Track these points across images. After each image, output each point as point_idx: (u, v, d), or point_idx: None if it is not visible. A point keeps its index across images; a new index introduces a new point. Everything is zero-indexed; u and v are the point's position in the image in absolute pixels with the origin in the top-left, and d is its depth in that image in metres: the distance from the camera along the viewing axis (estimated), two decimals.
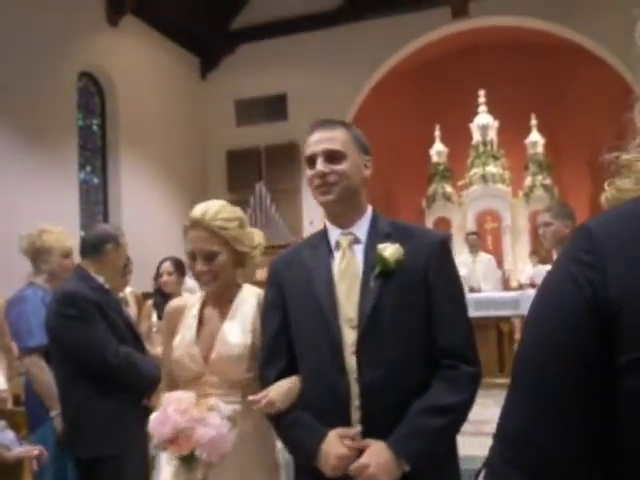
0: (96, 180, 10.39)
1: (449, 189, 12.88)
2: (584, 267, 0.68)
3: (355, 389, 1.64)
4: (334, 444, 1.60)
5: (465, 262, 7.53)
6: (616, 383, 0.65)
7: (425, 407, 1.61)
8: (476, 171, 12.51)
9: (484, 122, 12.65)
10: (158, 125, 11.21)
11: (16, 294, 3.31)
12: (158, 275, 4.07)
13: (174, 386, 2.09)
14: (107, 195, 10.44)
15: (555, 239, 3.51)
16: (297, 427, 1.71)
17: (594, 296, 0.66)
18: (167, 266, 4.13)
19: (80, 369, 2.58)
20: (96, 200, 10.35)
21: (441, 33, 11.87)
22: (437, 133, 13.20)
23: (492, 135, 12.71)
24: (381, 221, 1.80)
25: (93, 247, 2.79)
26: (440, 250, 1.72)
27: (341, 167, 1.74)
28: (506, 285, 10.18)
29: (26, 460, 2.33)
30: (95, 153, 10.38)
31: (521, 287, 9.82)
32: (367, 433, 1.62)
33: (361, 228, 1.78)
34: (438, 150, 13.21)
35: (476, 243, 7.56)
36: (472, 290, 6.84)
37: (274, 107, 12.48)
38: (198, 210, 2.05)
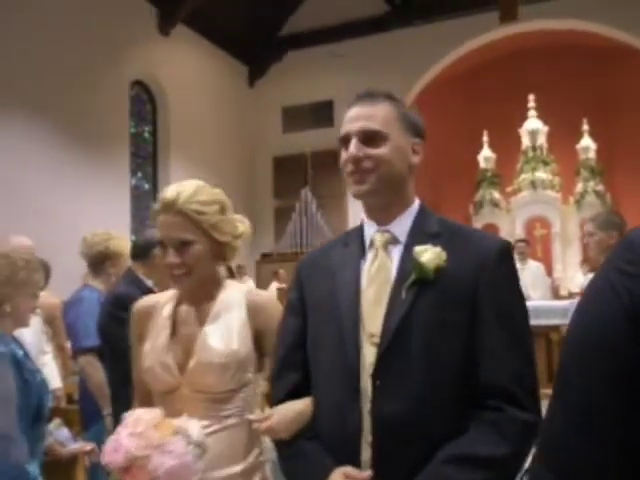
0: (147, 186, 10.65)
1: (497, 195, 12.69)
2: (624, 277, 0.68)
3: (368, 422, 1.32)
4: None
5: None
6: None
7: (455, 456, 1.26)
8: (525, 177, 12.28)
9: (534, 127, 12.42)
10: (207, 132, 11.43)
11: (73, 295, 3.42)
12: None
13: (148, 401, 1.79)
14: (157, 201, 10.68)
15: (598, 249, 3.38)
16: (300, 459, 1.40)
17: (633, 305, 0.66)
18: None
19: (129, 371, 2.65)
20: (147, 205, 10.60)
21: (489, 37, 11.73)
22: (485, 139, 13.02)
23: (542, 140, 12.47)
24: (429, 218, 1.46)
25: (142, 251, 2.86)
26: (497, 259, 1.35)
27: (380, 151, 1.39)
28: (556, 293, 9.94)
29: (80, 456, 2.40)
30: (146, 160, 10.65)
31: (571, 296, 9.58)
32: (377, 479, 1.29)
33: (402, 225, 1.43)
34: (486, 156, 13.03)
35: (524, 250, 7.41)
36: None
37: (320, 113, 12.54)
38: (170, 191, 1.74)
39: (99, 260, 3.34)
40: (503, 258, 1.37)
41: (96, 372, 3.03)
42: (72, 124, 8.56)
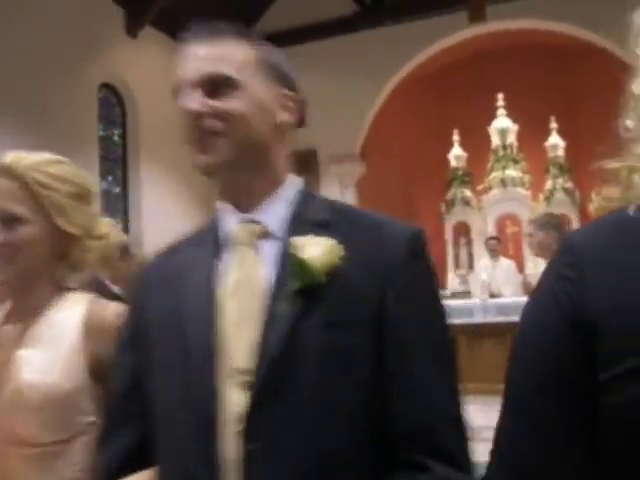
0: (117, 189, 10.51)
1: (468, 193, 12.81)
2: (565, 282, 0.69)
3: None
4: None
5: (485, 267, 7.49)
6: (599, 396, 0.65)
7: None
8: (495, 175, 12.44)
9: (503, 126, 12.58)
10: (178, 135, 11.28)
11: None
12: None
13: None
14: (128, 204, 10.56)
15: (540, 249, 3.66)
16: None
17: (574, 311, 0.67)
18: None
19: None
20: (117, 209, 10.47)
21: (458, 38, 11.84)
22: (456, 138, 13.15)
23: (511, 139, 12.64)
24: (314, 202, 1.11)
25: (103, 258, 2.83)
26: (408, 254, 0.97)
27: (231, 104, 1.02)
28: (527, 290, 10.08)
29: None
30: (116, 163, 10.52)
31: None
32: None
33: (274, 212, 1.06)
34: (457, 154, 13.15)
35: (496, 248, 7.51)
36: (492, 296, 6.80)
37: None
38: (13, 154, 1.36)
39: None
40: (415, 252, 0.98)
41: None
42: (39, 126, 8.41)
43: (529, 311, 0.74)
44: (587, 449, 0.67)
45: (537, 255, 4.06)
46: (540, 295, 0.72)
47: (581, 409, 0.66)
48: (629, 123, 0.75)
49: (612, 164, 0.78)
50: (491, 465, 0.74)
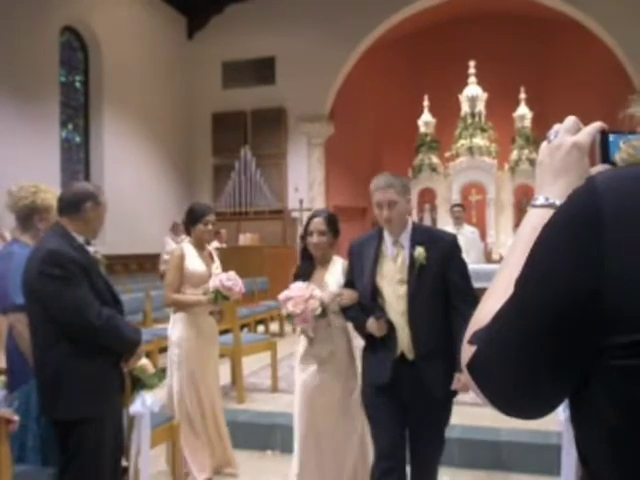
0: (78, 138, 10.21)
1: (435, 160, 12.86)
2: (584, 239, 0.67)
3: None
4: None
5: None
6: (612, 359, 0.65)
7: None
8: (463, 143, 12.48)
9: (473, 93, 12.57)
10: (143, 84, 11.01)
11: (1, 250, 3.25)
12: (307, 233, 2.76)
13: None
14: (89, 154, 10.27)
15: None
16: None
17: (594, 273, 0.66)
18: (319, 223, 3.09)
19: (60, 330, 2.54)
20: (78, 159, 10.18)
21: (433, 1, 11.70)
22: (426, 103, 13.10)
23: (481, 107, 12.66)
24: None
25: (72, 205, 2.72)
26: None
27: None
28: (489, 258, 10.25)
29: (2, 421, 2.30)
30: (77, 111, 10.18)
31: (503, 260, 9.90)
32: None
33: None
34: (426, 120, 13.13)
35: (460, 215, 7.55)
36: None
37: (262, 70, 12.29)
38: None
39: (26, 214, 3.17)
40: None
41: (27, 330, 2.90)
42: None
43: (547, 249, 0.71)
44: (558, 391, 0.72)
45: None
46: (560, 239, 0.69)
47: (573, 360, 0.68)
48: None
49: None
50: (478, 344, 0.78)
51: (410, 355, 2.69)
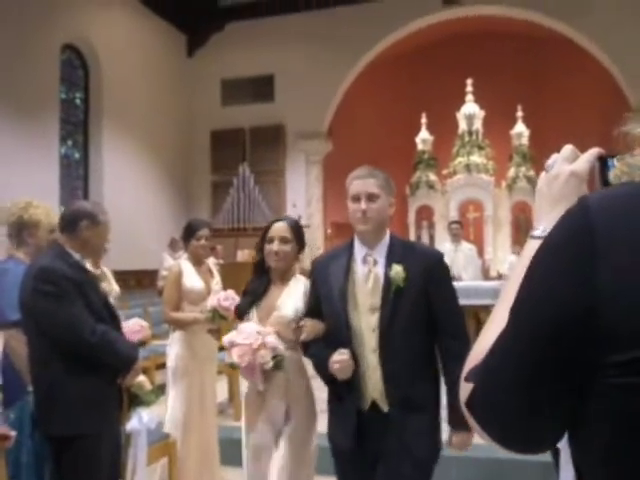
0: (77, 155, 10.24)
1: (433, 177, 12.91)
2: (578, 258, 0.67)
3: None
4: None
5: (447, 251, 7.56)
6: (609, 377, 0.65)
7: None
8: (460, 160, 12.55)
9: (470, 111, 12.67)
10: (142, 101, 11.07)
11: None
12: (265, 241, 2.48)
13: None
14: (88, 170, 10.30)
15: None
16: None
17: (586, 293, 0.66)
18: (281, 229, 2.65)
19: (55, 347, 2.54)
20: (77, 175, 10.21)
21: (431, 20, 11.82)
22: (424, 120, 13.19)
23: (478, 125, 12.74)
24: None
25: (68, 224, 2.74)
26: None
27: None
28: (486, 274, 10.26)
29: None
30: (77, 127, 10.23)
31: (500, 277, 9.90)
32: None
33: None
34: (424, 138, 13.21)
35: (458, 232, 7.57)
36: (453, 279, 6.87)
37: (261, 88, 12.37)
38: None
39: (16, 230, 3.19)
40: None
41: (22, 347, 2.89)
42: None
43: (543, 268, 0.71)
44: (558, 415, 0.70)
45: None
46: (554, 259, 0.69)
47: (572, 380, 0.67)
48: None
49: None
50: (474, 377, 0.76)
51: (384, 405, 2.13)
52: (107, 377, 2.62)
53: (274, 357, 2.42)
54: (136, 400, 2.78)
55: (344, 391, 2.17)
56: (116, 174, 10.38)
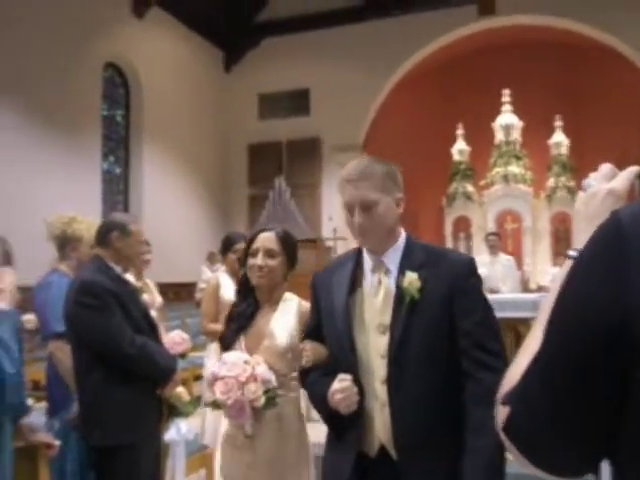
0: (118, 170, 10.48)
1: (470, 188, 12.79)
2: (610, 277, 0.67)
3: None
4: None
5: (484, 263, 7.47)
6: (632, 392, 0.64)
7: None
8: (498, 170, 12.41)
9: (508, 122, 12.53)
10: (181, 117, 11.28)
11: (42, 280, 3.35)
12: (248, 254, 2.49)
13: None
14: (128, 185, 10.53)
15: None
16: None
17: (619, 313, 0.65)
18: (267, 239, 2.28)
19: (96, 358, 2.60)
20: (118, 190, 10.44)
21: (467, 31, 11.77)
22: (460, 132, 13.10)
23: (515, 135, 12.59)
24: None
25: (101, 236, 2.81)
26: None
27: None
28: (525, 287, 10.08)
29: (42, 447, 2.36)
30: (118, 143, 10.48)
31: (540, 289, 9.72)
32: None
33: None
34: (460, 149, 13.11)
35: (496, 244, 7.46)
36: (491, 291, 6.79)
37: (297, 102, 12.48)
38: None
39: (60, 244, 3.28)
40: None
41: (67, 358, 2.97)
42: (43, 105, 8.37)
43: (575, 287, 0.70)
44: (597, 438, 0.68)
45: None
46: (587, 272, 0.69)
47: (608, 401, 0.66)
48: None
49: None
50: (510, 403, 0.74)
51: (392, 451, 1.66)
52: (146, 388, 2.66)
53: (266, 392, 1.99)
54: (174, 411, 2.81)
55: (345, 430, 1.72)
56: (156, 188, 10.58)
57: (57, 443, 2.39)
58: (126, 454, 2.57)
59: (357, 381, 1.68)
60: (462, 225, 12.80)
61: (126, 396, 2.60)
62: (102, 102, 9.84)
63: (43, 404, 3.23)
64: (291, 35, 12.27)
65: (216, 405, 2.00)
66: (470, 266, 1.74)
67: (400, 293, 1.68)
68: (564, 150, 12.56)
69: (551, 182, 12.39)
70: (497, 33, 11.89)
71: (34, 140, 8.21)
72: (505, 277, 7.24)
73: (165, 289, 9.97)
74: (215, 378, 1.98)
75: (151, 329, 2.77)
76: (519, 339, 7.02)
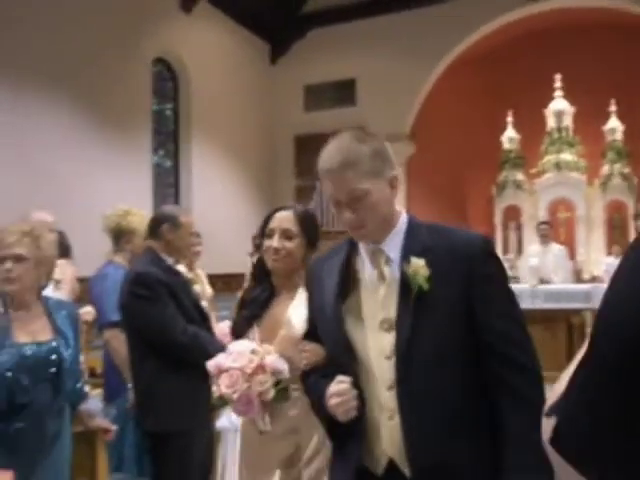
0: (168, 163, 10.68)
1: (520, 177, 12.52)
2: None
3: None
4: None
5: (535, 252, 7.33)
6: None
7: None
8: (549, 158, 12.10)
9: (559, 108, 12.19)
10: (228, 110, 11.40)
11: (98, 272, 3.47)
12: (264, 235, 2.43)
13: None
14: (178, 178, 10.72)
15: None
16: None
17: None
18: (285, 219, 2.22)
19: (150, 347, 2.67)
20: (168, 183, 10.65)
21: (515, 16, 11.49)
22: (509, 119, 12.82)
23: (567, 121, 12.24)
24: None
25: (152, 228, 2.88)
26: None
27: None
28: (578, 277, 9.83)
29: (100, 432, 2.45)
30: (168, 137, 10.68)
31: (594, 279, 9.47)
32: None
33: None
34: (510, 137, 12.84)
35: (547, 233, 7.32)
36: (542, 282, 6.67)
37: (343, 92, 12.44)
38: None
39: (116, 236, 3.39)
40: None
41: (121, 346, 3.07)
42: (93, 101, 8.59)
43: (623, 293, 0.66)
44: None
45: None
46: (629, 274, 0.65)
47: None
48: None
49: None
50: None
51: (405, 468, 1.43)
52: (198, 376, 2.72)
53: (276, 384, 1.79)
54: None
55: (346, 441, 1.49)
56: (204, 181, 10.74)
57: (114, 428, 2.48)
58: (178, 441, 2.64)
59: (357, 385, 1.46)
60: (512, 214, 12.55)
61: (179, 384, 2.67)
62: (152, 97, 10.03)
63: (99, 391, 3.35)
64: (337, 25, 12.22)
65: (224, 401, 1.81)
66: (486, 246, 1.50)
67: (405, 283, 1.43)
68: (619, 136, 12.14)
69: (605, 169, 12.00)
70: (546, 17, 11.56)
71: (86, 135, 8.45)
72: (557, 267, 7.08)
73: (214, 280, 10.14)
74: (219, 370, 1.79)
75: (202, 319, 2.84)
76: (571, 330, 6.86)
